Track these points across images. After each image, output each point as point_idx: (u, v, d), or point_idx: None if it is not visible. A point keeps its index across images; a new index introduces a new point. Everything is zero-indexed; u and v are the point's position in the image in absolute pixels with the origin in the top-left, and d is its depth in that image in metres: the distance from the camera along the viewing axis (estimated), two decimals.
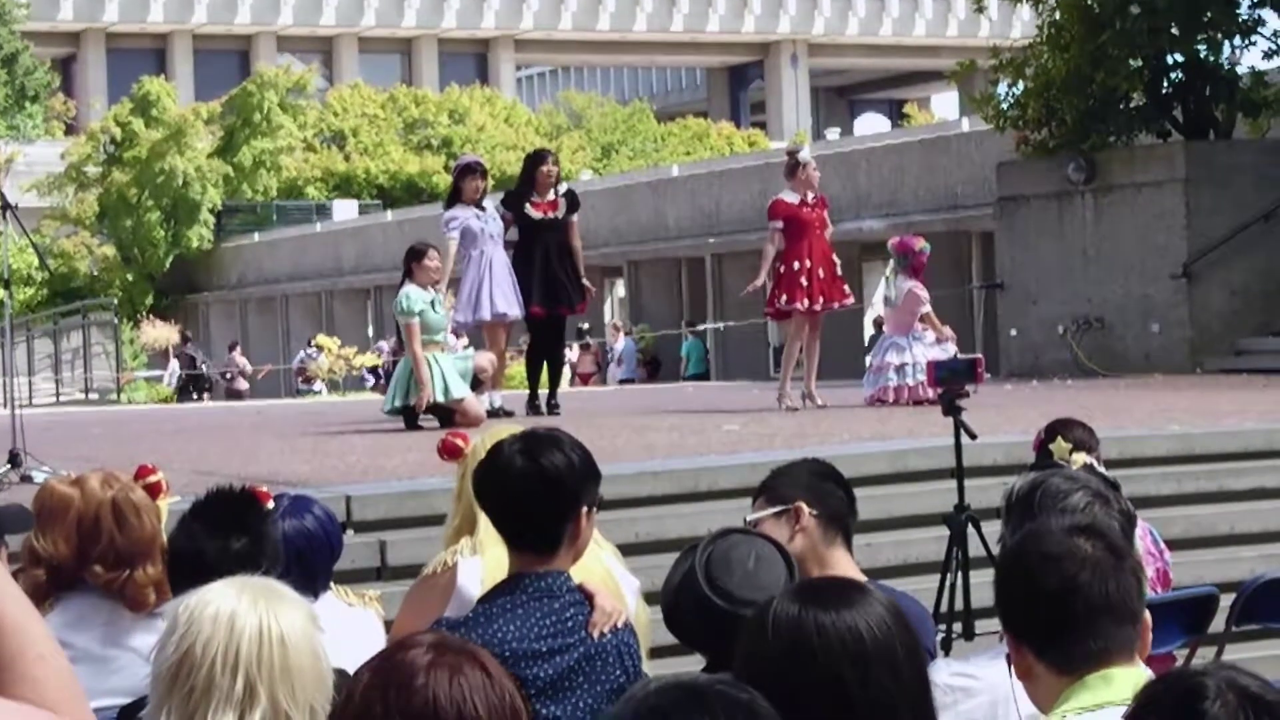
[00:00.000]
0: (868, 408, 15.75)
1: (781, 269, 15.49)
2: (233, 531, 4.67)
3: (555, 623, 4.54)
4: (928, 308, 16.21)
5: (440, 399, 14.30)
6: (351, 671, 3.56)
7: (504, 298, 15.18)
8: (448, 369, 14.36)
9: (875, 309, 36.35)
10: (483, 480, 4.69)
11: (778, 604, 3.23)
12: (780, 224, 15.45)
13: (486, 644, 4.41)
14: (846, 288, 15.81)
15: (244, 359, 45.69)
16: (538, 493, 4.58)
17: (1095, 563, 3.53)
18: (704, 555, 4.37)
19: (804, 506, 5.14)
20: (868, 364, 16.75)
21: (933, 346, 15.93)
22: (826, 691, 3.09)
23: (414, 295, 14.37)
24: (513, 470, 4.60)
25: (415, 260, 14.50)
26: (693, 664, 4.64)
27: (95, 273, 57.13)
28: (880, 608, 3.20)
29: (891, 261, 16.72)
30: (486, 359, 15.12)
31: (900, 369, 16.05)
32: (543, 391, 15.99)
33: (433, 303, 14.42)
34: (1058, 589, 3.50)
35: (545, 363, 16.10)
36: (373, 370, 41.55)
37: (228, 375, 45.21)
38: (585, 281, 15.69)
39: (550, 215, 15.36)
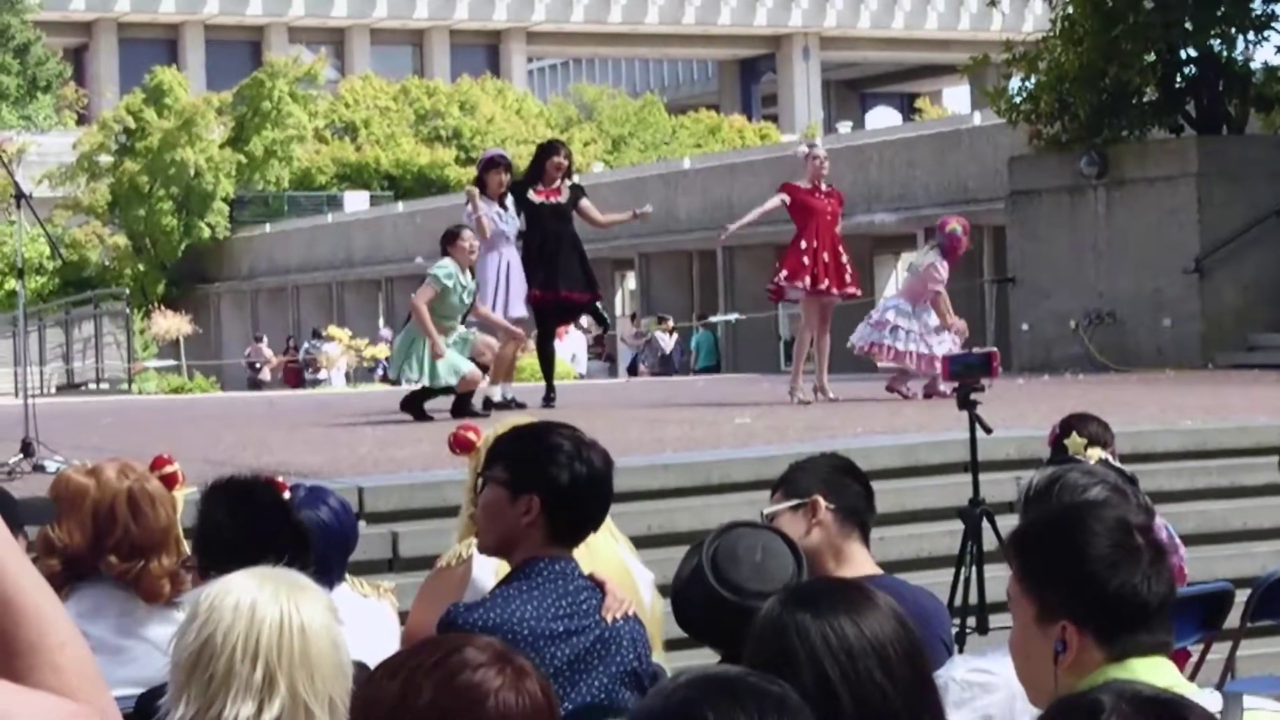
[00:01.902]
0: (878, 401, 15.69)
1: (787, 247, 15.46)
2: (280, 518, 4.73)
3: (570, 605, 4.60)
4: (941, 289, 15.97)
5: (451, 381, 14.23)
6: (368, 663, 3.56)
7: (520, 302, 15.14)
8: (452, 352, 14.28)
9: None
10: (576, 480, 4.68)
11: (766, 606, 3.27)
12: (785, 196, 15.38)
13: (504, 624, 4.44)
14: (852, 277, 15.66)
15: (269, 350, 45.91)
16: (609, 490, 4.77)
17: (1151, 564, 3.51)
18: (711, 549, 4.38)
19: (821, 500, 5.15)
20: (868, 316, 16.43)
21: (938, 332, 15.81)
22: (817, 691, 3.09)
23: (450, 267, 14.27)
24: (600, 469, 4.71)
25: (450, 243, 14.41)
26: (707, 657, 4.63)
27: (107, 262, 57.19)
28: (875, 608, 3.20)
29: (934, 239, 16.53)
30: (484, 342, 14.95)
31: (895, 330, 15.84)
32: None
33: (463, 288, 14.26)
34: (1127, 594, 3.48)
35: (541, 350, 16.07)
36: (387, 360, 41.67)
37: (255, 365, 45.38)
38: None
39: (552, 200, 15.25)
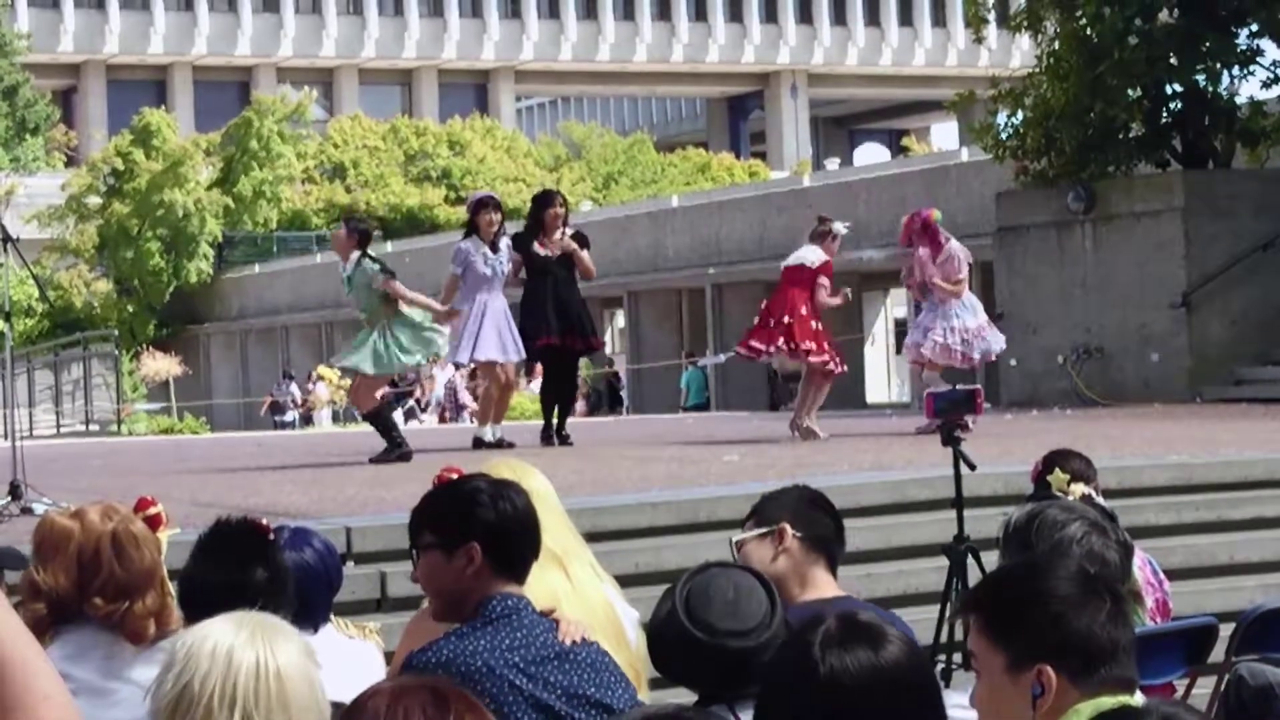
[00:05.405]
0: (866, 437, 15.69)
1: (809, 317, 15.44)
2: (254, 563, 4.78)
3: (526, 636, 4.66)
4: (930, 278, 16.29)
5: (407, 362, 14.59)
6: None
7: (494, 345, 15.23)
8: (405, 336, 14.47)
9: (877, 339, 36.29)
10: (504, 517, 4.75)
11: (786, 644, 3.32)
12: (823, 279, 15.40)
13: (456, 658, 4.50)
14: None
15: (297, 389, 45.98)
16: (537, 521, 4.83)
17: (1114, 604, 3.56)
18: (683, 591, 4.42)
19: (788, 528, 5.27)
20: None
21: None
22: None
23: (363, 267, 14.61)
24: (523, 503, 4.79)
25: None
26: (692, 696, 4.64)
27: (95, 306, 57.17)
28: (896, 645, 3.23)
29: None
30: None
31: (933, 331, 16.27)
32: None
33: (349, 280, 14.48)
34: (1097, 630, 3.52)
35: (556, 394, 16.21)
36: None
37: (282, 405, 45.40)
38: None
39: (556, 252, 15.55)
